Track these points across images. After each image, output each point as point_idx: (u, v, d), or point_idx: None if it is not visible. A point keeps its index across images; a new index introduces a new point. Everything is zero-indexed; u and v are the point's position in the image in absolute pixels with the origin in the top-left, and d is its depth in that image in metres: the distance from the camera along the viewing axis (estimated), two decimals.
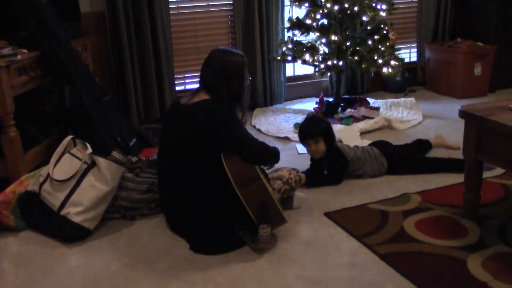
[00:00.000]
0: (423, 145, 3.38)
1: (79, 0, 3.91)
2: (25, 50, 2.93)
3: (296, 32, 4.23)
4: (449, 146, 3.43)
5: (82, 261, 2.29)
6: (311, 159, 3.09)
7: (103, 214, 2.54)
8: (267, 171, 2.62)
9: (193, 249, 2.33)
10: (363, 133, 3.87)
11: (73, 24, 3.77)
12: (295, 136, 3.83)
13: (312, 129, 2.97)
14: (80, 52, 3.58)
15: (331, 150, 2.97)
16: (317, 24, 4.09)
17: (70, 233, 2.43)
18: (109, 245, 2.41)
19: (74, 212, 2.42)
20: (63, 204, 2.46)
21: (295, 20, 4.20)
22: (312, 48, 4.15)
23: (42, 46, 3.05)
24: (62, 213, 2.45)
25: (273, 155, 2.52)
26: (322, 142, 2.94)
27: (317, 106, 4.49)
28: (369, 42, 4.08)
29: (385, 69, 4.11)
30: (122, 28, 4.02)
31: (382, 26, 4.15)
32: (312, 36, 4.23)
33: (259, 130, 4.09)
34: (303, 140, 3.03)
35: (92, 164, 2.54)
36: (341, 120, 4.12)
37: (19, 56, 2.81)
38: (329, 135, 2.97)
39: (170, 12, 4.23)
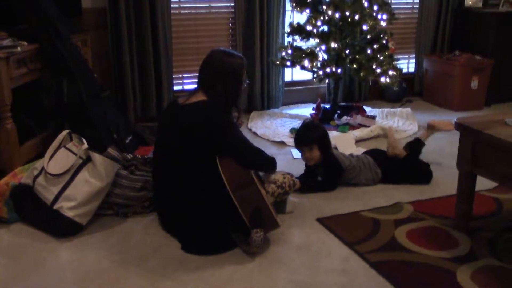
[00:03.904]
0: (414, 146, 3.31)
1: None
2: (24, 42, 2.92)
3: (296, 37, 4.25)
4: (447, 129, 3.32)
5: (73, 256, 2.28)
6: (306, 165, 3.10)
7: (96, 210, 2.54)
8: (261, 175, 2.63)
9: (185, 249, 2.33)
10: (359, 141, 3.88)
11: (74, 19, 3.77)
12: (290, 141, 3.84)
13: (307, 136, 2.97)
14: (80, 47, 3.57)
15: (327, 157, 2.98)
16: (317, 31, 4.11)
17: (62, 228, 2.42)
18: (100, 242, 2.41)
19: (67, 207, 2.42)
20: (56, 198, 2.46)
21: (295, 25, 4.22)
22: (311, 54, 4.17)
23: (42, 39, 3.05)
24: (55, 207, 2.44)
25: (268, 162, 2.52)
26: (316, 150, 2.95)
27: (314, 112, 4.50)
28: (368, 51, 4.10)
29: (383, 78, 4.14)
30: (123, 25, 4.02)
31: (381, 35, 4.18)
32: (312, 42, 4.25)
33: (255, 133, 4.10)
34: (297, 146, 3.04)
35: (87, 160, 2.54)
36: (337, 127, 4.13)
37: (18, 48, 2.80)
38: (324, 143, 2.97)
39: (172, 12, 4.24)
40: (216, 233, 2.35)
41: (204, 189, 2.36)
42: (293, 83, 5.00)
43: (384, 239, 2.44)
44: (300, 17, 4.34)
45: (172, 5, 4.24)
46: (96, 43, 4.08)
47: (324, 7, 4.01)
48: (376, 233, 2.49)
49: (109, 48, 4.12)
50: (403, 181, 3.08)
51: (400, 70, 4.23)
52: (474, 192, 2.47)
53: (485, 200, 2.86)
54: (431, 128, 3.39)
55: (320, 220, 2.62)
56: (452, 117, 3.97)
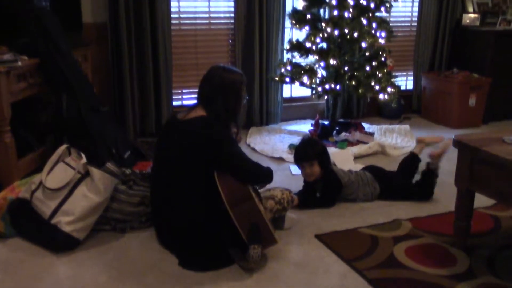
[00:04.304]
0: (410, 162, 3.30)
1: (82, 10, 3.95)
2: (25, 57, 2.94)
3: (296, 54, 4.28)
4: (433, 141, 3.46)
5: (70, 271, 2.27)
6: (305, 181, 3.10)
7: (94, 225, 2.53)
8: (259, 190, 2.63)
9: (182, 264, 2.32)
10: (357, 158, 3.89)
11: (75, 34, 3.79)
12: (289, 157, 3.85)
13: (307, 152, 2.99)
14: (80, 62, 3.59)
15: (326, 173, 2.98)
16: (316, 48, 4.14)
17: (59, 242, 2.41)
18: (98, 257, 2.39)
19: (64, 222, 2.41)
20: (54, 213, 2.45)
21: (295, 42, 4.25)
22: (310, 71, 4.19)
23: (42, 53, 3.07)
24: (52, 221, 2.43)
25: (266, 175, 2.53)
26: (316, 165, 2.96)
27: (312, 128, 4.51)
28: (367, 68, 4.13)
29: (381, 95, 4.16)
30: (123, 41, 4.05)
31: (380, 53, 4.21)
32: (311, 59, 4.28)
33: (253, 149, 4.10)
34: (297, 162, 3.05)
35: (86, 174, 2.53)
36: (335, 144, 4.14)
37: (19, 63, 2.82)
38: (324, 158, 2.99)
39: (172, 28, 4.27)
40: (214, 249, 2.34)
41: (202, 204, 2.35)
42: (292, 99, 5.02)
43: (382, 256, 2.43)
44: (300, 34, 4.37)
45: (172, 21, 4.27)
46: (96, 57, 4.10)
47: (323, 24, 4.05)
48: (375, 250, 2.48)
49: (109, 63, 4.14)
50: (402, 198, 3.08)
51: (399, 87, 4.26)
52: (473, 210, 2.47)
53: (483, 217, 2.86)
54: (421, 142, 3.48)
55: (318, 237, 2.61)
56: (449, 134, 3.98)
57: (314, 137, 3.91)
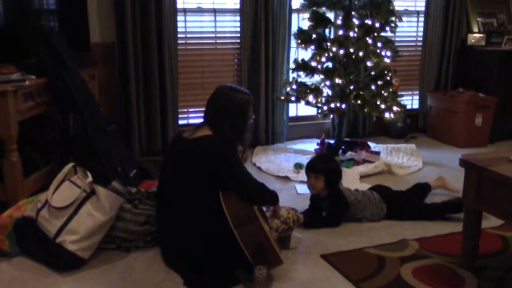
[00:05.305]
0: (422, 189, 3.37)
1: (90, 30, 3.99)
2: (33, 76, 2.96)
3: (301, 73, 4.30)
4: (451, 189, 3.45)
5: None
6: (311, 200, 3.09)
7: (99, 244, 2.52)
8: (264, 210, 2.62)
9: (187, 285, 2.30)
10: (363, 177, 3.87)
11: (83, 54, 3.83)
12: (295, 176, 3.84)
13: (318, 164, 3.00)
14: (87, 81, 3.62)
15: (333, 192, 2.97)
16: (322, 67, 4.16)
17: (64, 262, 2.40)
18: (102, 276, 2.38)
19: (69, 240, 2.41)
20: (59, 232, 2.44)
21: (300, 61, 4.27)
22: (316, 90, 4.21)
23: (50, 73, 3.09)
24: (57, 240, 2.42)
25: (271, 197, 2.52)
26: (321, 181, 2.94)
27: (318, 147, 4.51)
28: (373, 87, 4.14)
29: (387, 115, 4.16)
30: (130, 60, 4.08)
31: (385, 72, 4.22)
32: (317, 78, 4.30)
33: (259, 168, 4.10)
34: (306, 169, 3.05)
35: (91, 193, 2.53)
36: (341, 163, 4.12)
37: (27, 82, 2.84)
38: (332, 178, 2.97)
39: (178, 47, 4.31)
40: (219, 269, 2.32)
41: (207, 224, 2.34)
42: (297, 118, 5.03)
43: (389, 276, 2.41)
44: (305, 54, 4.40)
45: (179, 41, 4.31)
46: (104, 77, 4.14)
47: (329, 44, 4.07)
48: (381, 271, 2.46)
49: (116, 82, 4.17)
50: (410, 217, 3.06)
51: (404, 106, 4.26)
52: (480, 230, 2.45)
53: (491, 237, 2.83)
54: (440, 180, 3.52)
55: (324, 257, 2.59)
56: (456, 153, 3.96)
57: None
